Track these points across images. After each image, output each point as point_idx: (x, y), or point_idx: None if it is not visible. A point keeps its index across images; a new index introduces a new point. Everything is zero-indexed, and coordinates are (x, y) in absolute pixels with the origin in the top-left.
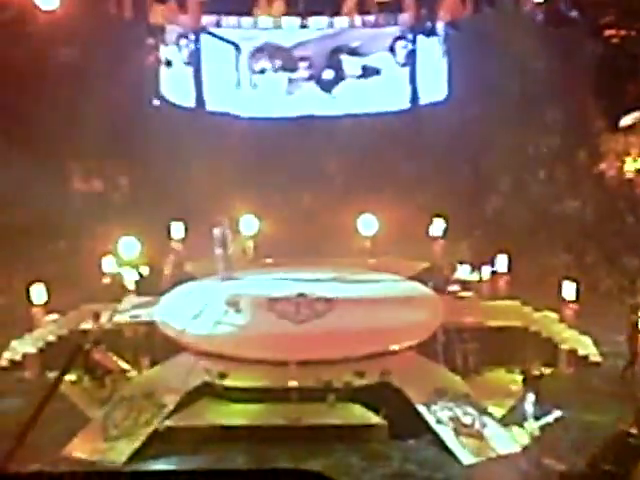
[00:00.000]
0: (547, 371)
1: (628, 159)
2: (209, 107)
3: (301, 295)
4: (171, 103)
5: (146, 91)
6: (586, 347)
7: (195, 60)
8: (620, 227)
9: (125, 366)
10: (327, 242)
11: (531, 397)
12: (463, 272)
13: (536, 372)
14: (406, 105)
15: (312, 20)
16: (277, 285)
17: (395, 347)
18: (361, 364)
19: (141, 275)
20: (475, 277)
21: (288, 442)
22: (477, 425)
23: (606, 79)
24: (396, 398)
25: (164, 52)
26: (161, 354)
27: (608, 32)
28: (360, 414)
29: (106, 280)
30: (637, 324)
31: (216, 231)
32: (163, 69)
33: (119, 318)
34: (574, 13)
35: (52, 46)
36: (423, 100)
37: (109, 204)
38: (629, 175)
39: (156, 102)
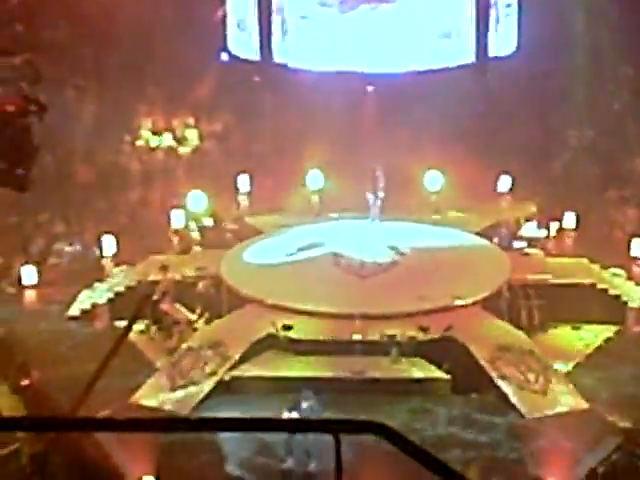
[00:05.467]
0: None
1: None
2: (276, 59)
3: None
4: (238, 57)
5: (213, 45)
6: None
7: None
8: None
9: (192, 317)
10: (394, 197)
11: None
12: (529, 229)
13: None
14: (472, 59)
15: None
16: (340, 240)
17: (460, 302)
18: (425, 319)
19: (205, 227)
20: (542, 234)
21: (351, 394)
22: (541, 381)
23: None
24: (460, 353)
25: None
26: (228, 306)
27: None
28: (423, 368)
29: (175, 233)
30: None
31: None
32: (230, 24)
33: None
34: None
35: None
36: (492, 53)
37: (178, 158)
38: None
39: (224, 56)
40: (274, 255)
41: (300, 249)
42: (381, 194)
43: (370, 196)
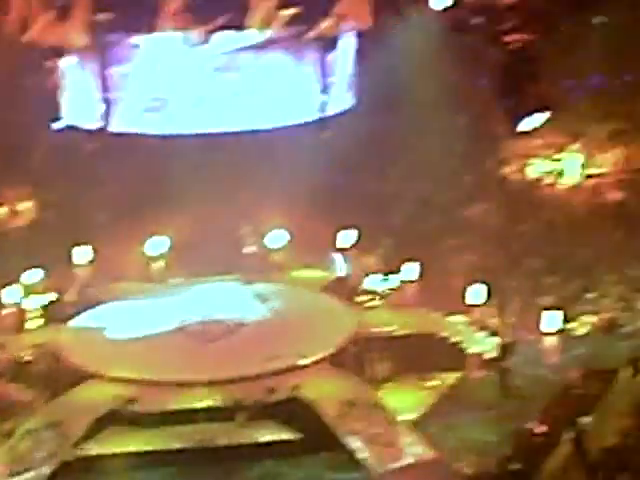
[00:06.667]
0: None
1: (531, 162)
2: (114, 128)
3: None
4: (74, 126)
5: (47, 114)
6: (489, 348)
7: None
8: (524, 229)
9: (29, 397)
10: (237, 257)
11: None
12: (372, 282)
13: None
14: (314, 116)
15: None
16: (186, 305)
17: (306, 361)
18: (272, 380)
19: (47, 303)
20: (385, 286)
21: (201, 464)
22: (389, 433)
23: (508, 83)
24: (309, 412)
25: (64, 74)
26: (67, 382)
27: (510, 37)
28: (272, 430)
29: (8, 310)
30: None
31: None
32: (65, 91)
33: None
34: (477, 19)
35: None
36: (330, 110)
37: (10, 232)
38: (532, 178)
39: (57, 125)
40: (115, 326)
41: (143, 317)
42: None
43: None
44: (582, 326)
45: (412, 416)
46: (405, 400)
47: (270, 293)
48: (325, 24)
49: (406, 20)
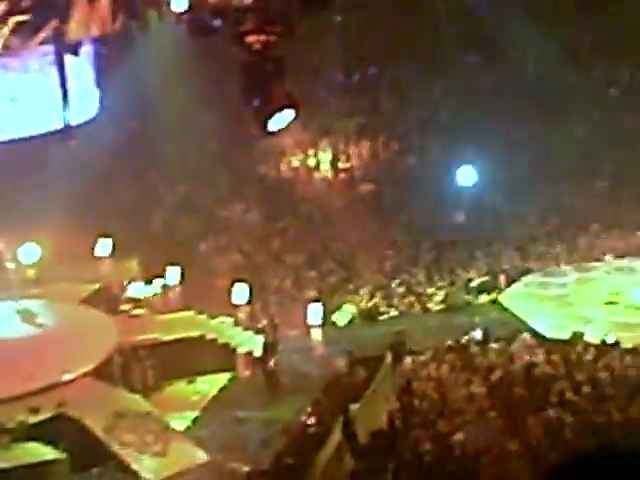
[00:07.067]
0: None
1: (285, 159)
2: None
3: None
4: None
5: None
6: (256, 347)
7: None
8: (284, 226)
9: None
10: None
11: None
12: (135, 289)
13: None
14: (59, 125)
15: None
16: None
17: (69, 376)
18: (36, 399)
19: None
20: (147, 292)
21: None
22: (161, 442)
23: (253, 84)
24: (77, 428)
25: None
26: None
27: (251, 38)
28: (38, 452)
29: None
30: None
31: None
32: None
33: None
34: (217, 21)
35: None
36: (75, 119)
37: None
38: (287, 175)
39: None
40: None
41: None
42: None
43: None
44: (344, 316)
45: (184, 421)
46: (176, 406)
47: (29, 309)
48: (61, 30)
49: (148, 24)
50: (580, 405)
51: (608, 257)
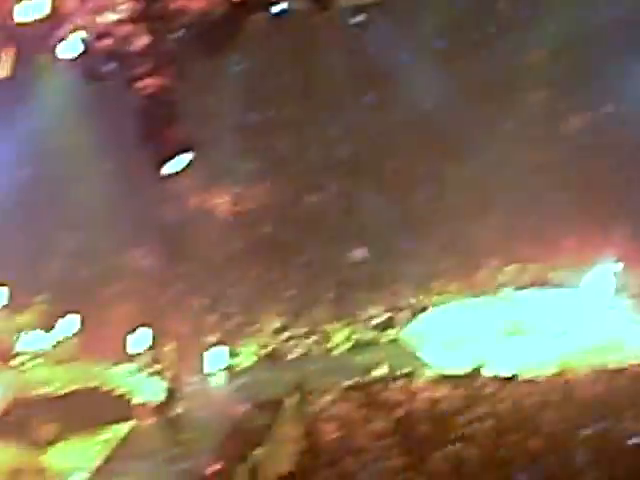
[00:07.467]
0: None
1: (183, 203)
2: None
3: None
4: None
5: None
6: (156, 395)
7: None
8: (184, 270)
9: None
10: None
11: None
12: (31, 340)
13: None
14: None
15: None
16: None
17: None
18: None
19: None
20: (45, 343)
21: None
22: None
23: (147, 128)
24: None
25: None
26: None
27: (143, 82)
28: None
29: None
30: None
31: None
32: None
33: None
34: (110, 66)
35: None
36: None
37: None
38: (186, 218)
39: None
40: None
41: None
42: None
43: None
44: (246, 360)
45: (84, 474)
46: (76, 459)
47: None
48: None
49: (40, 70)
50: (482, 439)
51: (507, 289)
